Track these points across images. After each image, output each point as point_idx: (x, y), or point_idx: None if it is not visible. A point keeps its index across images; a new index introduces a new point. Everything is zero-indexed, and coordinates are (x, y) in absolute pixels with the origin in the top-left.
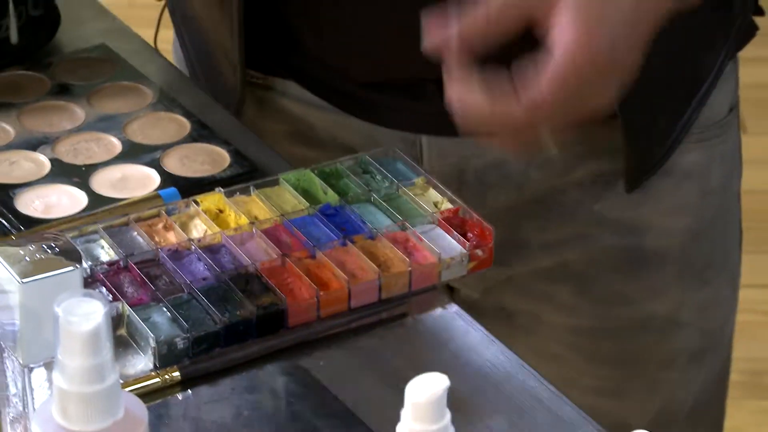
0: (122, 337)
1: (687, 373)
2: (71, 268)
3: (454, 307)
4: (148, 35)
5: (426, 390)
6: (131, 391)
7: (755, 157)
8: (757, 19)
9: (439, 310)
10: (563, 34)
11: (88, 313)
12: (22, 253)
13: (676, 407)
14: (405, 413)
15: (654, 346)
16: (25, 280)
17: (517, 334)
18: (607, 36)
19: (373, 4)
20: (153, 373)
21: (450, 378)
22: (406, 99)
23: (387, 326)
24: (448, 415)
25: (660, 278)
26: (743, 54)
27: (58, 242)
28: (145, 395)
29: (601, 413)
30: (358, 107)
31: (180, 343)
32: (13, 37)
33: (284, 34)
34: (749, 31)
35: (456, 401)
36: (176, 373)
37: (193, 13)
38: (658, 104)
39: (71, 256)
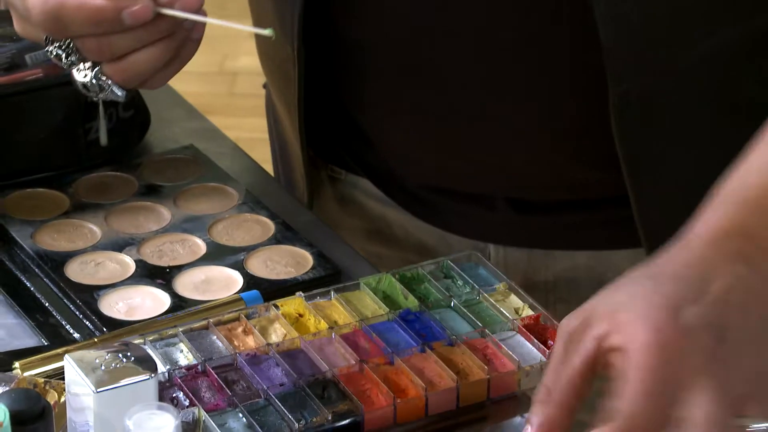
0: None
1: None
2: (146, 377)
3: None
4: (245, 125)
5: None
6: None
7: None
8: None
9: (518, 418)
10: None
11: (159, 426)
12: (98, 361)
13: None
14: None
15: None
16: (99, 390)
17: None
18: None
19: (444, 120)
20: None
21: None
22: (474, 208)
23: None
24: None
25: None
26: None
27: (134, 350)
28: None
29: None
30: (426, 211)
31: None
32: (103, 139)
33: (356, 133)
34: None
35: None
36: None
37: (277, 118)
38: None
39: (146, 365)
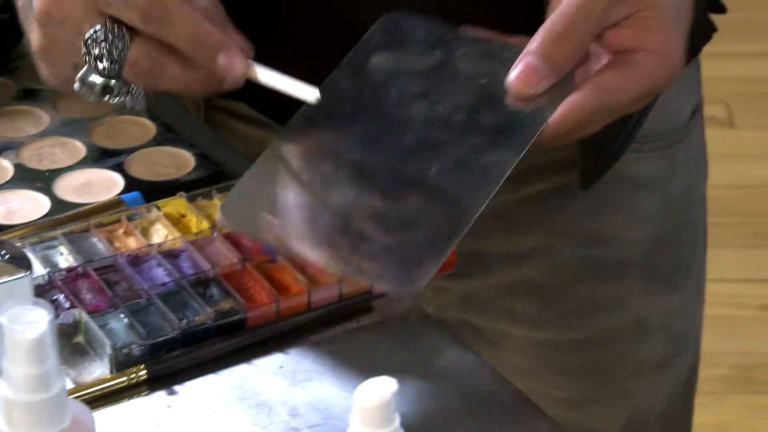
0: (80, 344)
1: (655, 380)
2: (20, 275)
3: (420, 312)
4: None
5: (374, 394)
6: (95, 392)
7: (744, 152)
8: (750, 14)
9: (403, 314)
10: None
11: (33, 321)
12: None
13: (646, 413)
14: (353, 418)
15: (621, 355)
16: None
17: (483, 348)
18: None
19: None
20: (119, 373)
21: (411, 380)
22: None
23: (350, 325)
24: (397, 420)
25: (624, 288)
26: (732, 49)
27: (8, 249)
28: (111, 395)
29: (571, 424)
30: None
31: (136, 350)
32: None
33: None
34: (706, 32)
35: (418, 403)
36: (143, 372)
37: None
38: None
39: (21, 263)
